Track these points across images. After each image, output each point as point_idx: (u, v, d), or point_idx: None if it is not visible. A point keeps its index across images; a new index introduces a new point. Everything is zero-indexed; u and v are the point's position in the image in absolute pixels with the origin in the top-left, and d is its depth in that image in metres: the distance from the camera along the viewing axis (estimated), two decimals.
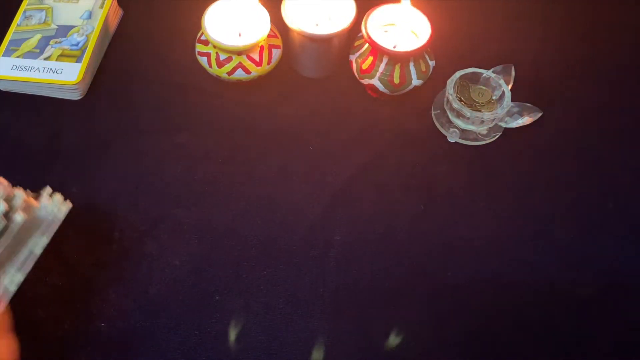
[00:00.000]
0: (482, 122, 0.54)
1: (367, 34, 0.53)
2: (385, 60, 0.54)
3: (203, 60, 0.56)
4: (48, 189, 0.45)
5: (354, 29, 0.56)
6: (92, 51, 0.59)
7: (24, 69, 0.58)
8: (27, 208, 0.42)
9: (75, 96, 0.59)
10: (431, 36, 0.54)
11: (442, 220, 0.53)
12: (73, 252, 0.49)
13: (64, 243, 0.49)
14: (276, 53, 0.57)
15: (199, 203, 0.53)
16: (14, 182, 0.44)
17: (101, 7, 0.62)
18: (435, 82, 0.59)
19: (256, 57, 0.55)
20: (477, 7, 0.68)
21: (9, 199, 0.42)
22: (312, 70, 0.61)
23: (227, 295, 0.48)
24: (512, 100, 0.55)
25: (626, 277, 0.51)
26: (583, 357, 0.47)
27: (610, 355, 0.47)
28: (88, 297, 0.47)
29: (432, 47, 0.57)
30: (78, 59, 0.59)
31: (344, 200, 0.53)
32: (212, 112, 0.59)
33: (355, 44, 0.57)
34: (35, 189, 0.45)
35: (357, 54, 0.56)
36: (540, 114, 0.56)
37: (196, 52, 0.57)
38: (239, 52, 0.54)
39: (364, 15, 0.55)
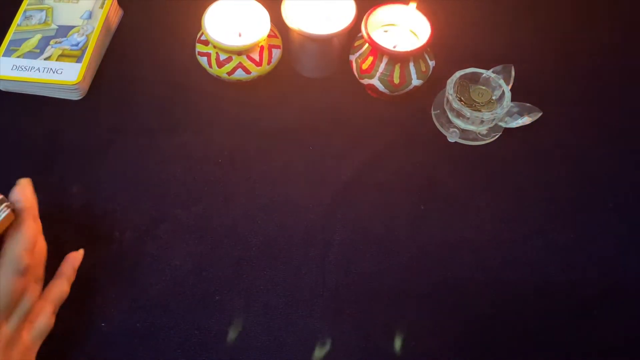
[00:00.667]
0: (482, 122, 0.54)
1: (367, 34, 0.53)
2: (385, 60, 0.54)
3: (203, 60, 0.56)
4: None
5: (354, 29, 0.56)
6: (92, 51, 0.59)
7: (24, 69, 0.58)
8: None
9: (75, 96, 0.59)
10: (431, 36, 0.54)
11: (442, 220, 0.53)
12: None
13: (64, 243, 0.49)
14: (276, 53, 0.57)
15: (199, 203, 0.53)
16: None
17: (101, 7, 0.63)
18: (435, 82, 0.58)
19: (256, 57, 0.55)
20: (477, 7, 0.68)
21: None
22: (312, 70, 0.61)
23: (227, 295, 0.48)
24: (512, 100, 0.55)
25: (626, 277, 0.51)
26: (583, 357, 0.47)
27: (610, 355, 0.47)
28: (88, 297, 0.47)
29: (432, 47, 0.57)
30: (78, 59, 0.59)
31: (344, 200, 0.53)
32: (212, 112, 0.59)
33: (355, 44, 0.57)
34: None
35: (357, 54, 0.56)
36: (540, 114, 0.56)
37: (196, 52, 0.57)
38: (239, 52, 0.54)
39: (364, 15, 0.55)
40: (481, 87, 0.56)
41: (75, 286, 0.45)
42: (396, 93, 0.56)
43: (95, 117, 0.58)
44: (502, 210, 0.54)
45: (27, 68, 0.58)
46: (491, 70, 0.57)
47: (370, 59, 0.55)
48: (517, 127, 0.56)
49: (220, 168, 0.55)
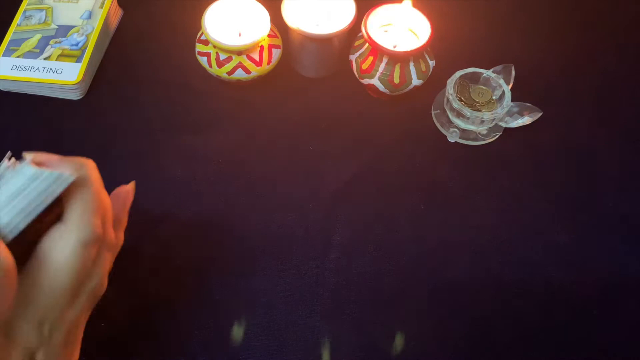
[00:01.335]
0: (482, 122, 0.54)
1: (367, 33, 0.53)
2: (385, 60, 0.54)
3: (203, 60, 0.56)
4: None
5: (354, 29, 0.56)
6: (92, 51, 0.59)
7: (24, 69, 0.58)
8: None
9: (75, 96, 0.59)
10: (431, 36, 0.54)
11: (442, 220, 0.53)
12: None
13: None
14: (276, 53, 0.57)
15: (199, 203, 0.53)
16: None
17: (101, 7, 0.62)
18: (435, 82, 0.58)
19: (256, 57, 0.55)
20: (477, 7, 0.68)
21: None
22: (312, 70, 0.61)
23: (227, 295, 0.48)
24: (512, 100, 0.55)
25: (626, 277, 0.51)
26: (583, 357, 0.47)
27: (610, 355, 0.47)
28: None
29: (432, 47, 0.57)
30: (78, 59, 0.59)
31: (344, 200, 0.53)
32: (212, 112, 0.59)
33: (355, 44, 0.57)
34: None
35: (357, 54, 0.56)
36: (540, 114, 0.56)
37: (196, 52, 0.57)
38: (239, 52, 0.54)
39: (364, 15, 0.55)
40: (481, 87, 0.56)
41: None
42: (396, 93, 0.56)
43: (95, 117, 0.58)
44: (502, 211, 0.54)
45: (27, 68, 0.58)
46: (491, 70, 0.57)
47: (370, 58, 0.55)
48: (517, 127, 0.56)
49: (220, 168, 0.55)
